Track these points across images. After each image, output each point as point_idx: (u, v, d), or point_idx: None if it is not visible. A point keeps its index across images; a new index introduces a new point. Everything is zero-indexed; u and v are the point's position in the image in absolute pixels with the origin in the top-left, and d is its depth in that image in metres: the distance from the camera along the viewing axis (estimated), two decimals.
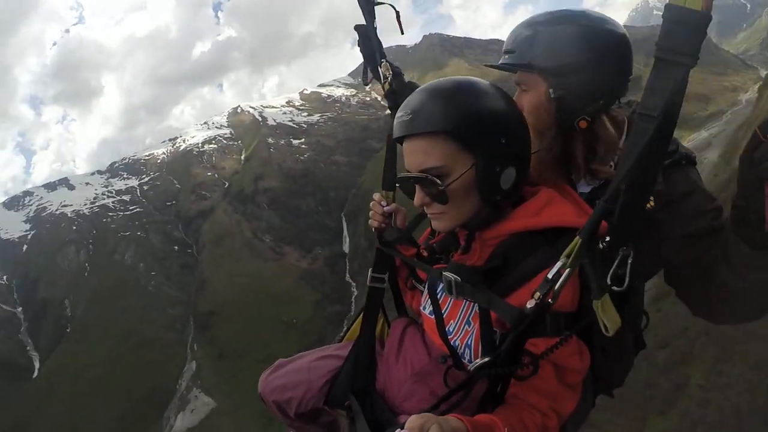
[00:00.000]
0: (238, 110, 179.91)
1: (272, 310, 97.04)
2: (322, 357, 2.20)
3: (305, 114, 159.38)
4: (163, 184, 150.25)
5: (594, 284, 1.32)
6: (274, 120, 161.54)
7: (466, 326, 1.64)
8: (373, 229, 2.14)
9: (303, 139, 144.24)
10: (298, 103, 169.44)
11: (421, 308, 1.93)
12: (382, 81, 2.34)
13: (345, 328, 2.36)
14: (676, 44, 1.19)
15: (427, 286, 1.81)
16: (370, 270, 2.14)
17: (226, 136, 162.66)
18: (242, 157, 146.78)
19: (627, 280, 1.35)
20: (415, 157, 1.57)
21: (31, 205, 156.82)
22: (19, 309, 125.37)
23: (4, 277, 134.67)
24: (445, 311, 1.71)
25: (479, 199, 1.57)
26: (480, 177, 1.52)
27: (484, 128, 1.50)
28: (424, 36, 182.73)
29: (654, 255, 1.69)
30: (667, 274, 1.80)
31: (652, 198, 1.56)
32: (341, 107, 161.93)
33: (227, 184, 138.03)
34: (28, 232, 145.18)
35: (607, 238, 1.36)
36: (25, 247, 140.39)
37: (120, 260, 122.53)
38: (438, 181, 1.53)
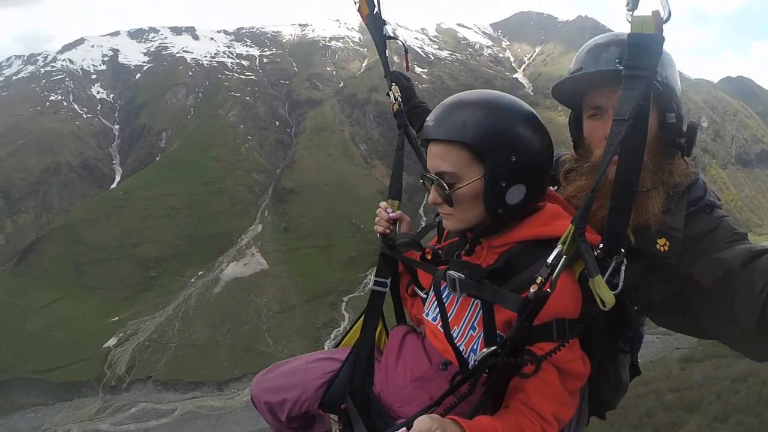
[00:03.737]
0: None
1: (345, 209, 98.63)
2: (318, 359, 2.16)
3: (435, 47, 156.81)
4: (282, 63, 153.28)
5: (588, 264, 1.38)
6: (405, 41, 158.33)
7: (471, 331, 1.66)
8: (378, 235, 2.19)
9: (426, 69, 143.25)
10: (432, 34, 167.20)
11: (424, 314, 1.95)
12: (392, 102, 2.58)
13: (342, 333, 2.36)
14: (638, 62, 1.41)
15: (432, 289, 1.78)
16: (372, 274, 2.19)
17: (354, 39, 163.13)
18: (364, 65, 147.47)
19: (620, 285, 1.42)
20: (434, 160, 1.68)
21: (154, 41, 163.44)
22: (117, 127, 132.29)
23: (111, 96, 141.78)
24: (450, 316, 1.71)
25: (483, 209, 1.64)
26: (486, 189, 1.60)
27: (496, 145, 1.57)
28: (578, 16, 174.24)
29: (662, 291, 1.76)
30: (695, 303, 1.70)
31: (667, 241, 1.71)
32: (472, 53, 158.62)
33: (342, 84, 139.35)
34: (145, 64, 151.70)
35: (601, 245, 1.47)
36: (138, 75, 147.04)
37: (224, 115, 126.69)
38: (445, 185, 1.64)
